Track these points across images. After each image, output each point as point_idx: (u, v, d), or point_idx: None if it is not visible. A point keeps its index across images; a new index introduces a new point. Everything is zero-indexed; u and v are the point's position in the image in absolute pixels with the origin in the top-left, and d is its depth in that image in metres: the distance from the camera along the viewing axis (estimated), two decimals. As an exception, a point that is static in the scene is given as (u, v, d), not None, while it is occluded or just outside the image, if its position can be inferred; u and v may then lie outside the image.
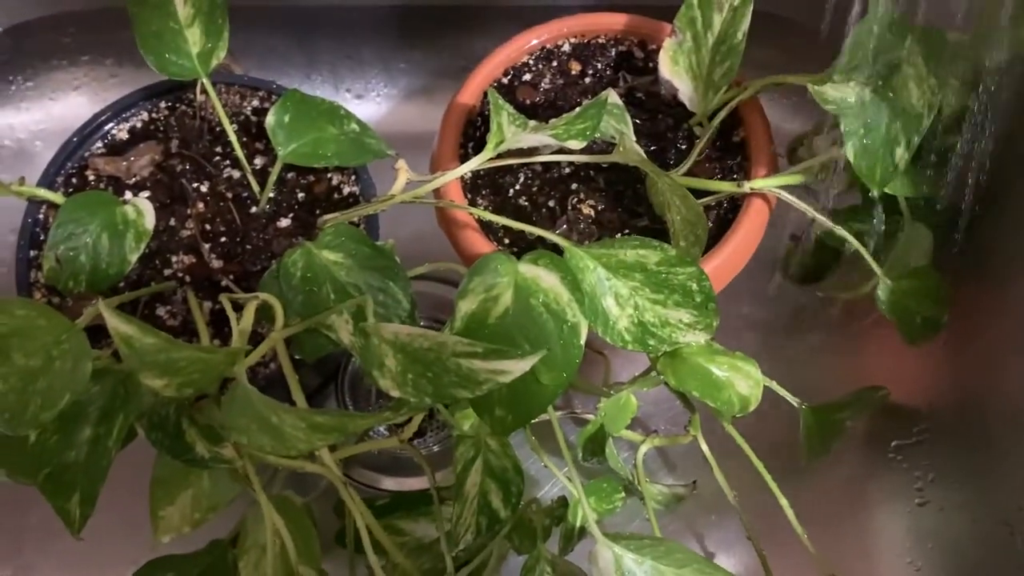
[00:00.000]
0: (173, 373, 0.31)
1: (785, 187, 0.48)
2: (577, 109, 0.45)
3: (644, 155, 0.45)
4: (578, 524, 0.46)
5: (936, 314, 0.50)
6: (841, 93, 0.44)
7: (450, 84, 0.62)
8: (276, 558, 0.40)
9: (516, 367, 0.32)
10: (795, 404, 0.50)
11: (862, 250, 0.47)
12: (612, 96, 0.48)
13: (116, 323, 0.31)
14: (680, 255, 0.42)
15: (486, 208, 0.49)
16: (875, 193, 0.46)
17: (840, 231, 0.47)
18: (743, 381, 0.45)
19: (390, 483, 0.56)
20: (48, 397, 0.32)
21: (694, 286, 0.42)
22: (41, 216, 0.50)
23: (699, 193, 0.47)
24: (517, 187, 0.50)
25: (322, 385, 0.58)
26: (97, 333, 0.46)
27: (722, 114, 0.48)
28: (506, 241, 0.48)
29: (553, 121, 0.44)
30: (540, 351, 0.33)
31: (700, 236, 0.44)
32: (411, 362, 0.33)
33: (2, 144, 0.67)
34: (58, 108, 0.67)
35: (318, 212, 0.50)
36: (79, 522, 0.38)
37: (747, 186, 0.47)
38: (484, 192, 0.50)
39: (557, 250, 0.42)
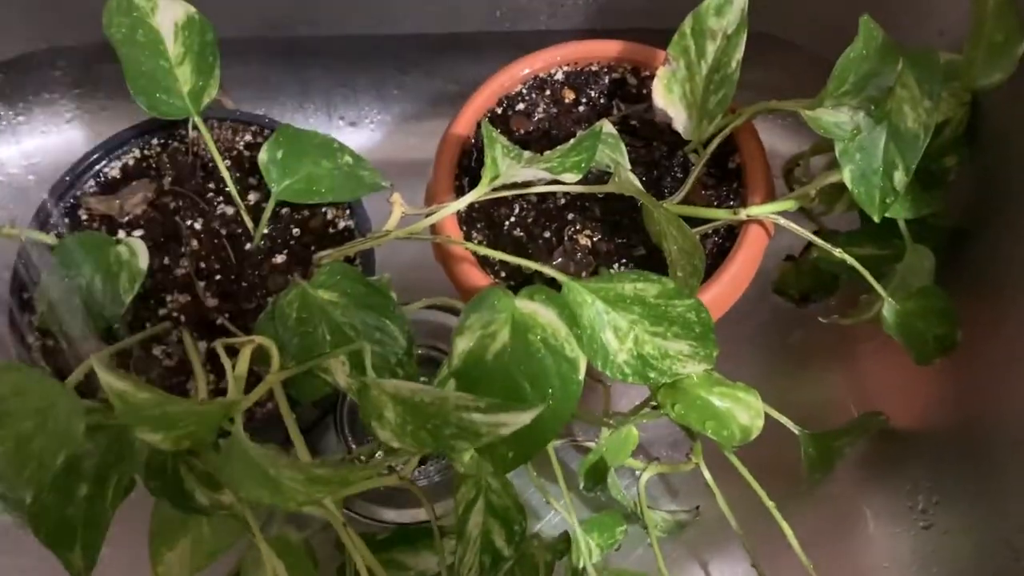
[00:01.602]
0: (169, 427, 0.31)
1: (782, 212, 0.48)
2: (572, 141, 0.44)
3: (639, 185, 0.45)
4: (580, 565, 0.45)
5: (949, 332, 0.49)
6: (835, 118, 0.44)
7: (444, 109, 0.62)
8: (277, 602, 0.40)
9: (517, 420, 0.31)
10: (796, 431, 0.50)
11: (865, 273, 0.47)
12: (606, 126, 0.47)
13: (109, 380, 0.31)
14: (679, 288, 0.41)
15: (481, 241, 0.49)
16: (875, 218, 0.46)
17: (841, 254, 0.47)
18: (744, 412, 0.45)
19: (391, 514, 0.55)
20: (43, 458, 0.32)
21: (693, 317, 0.42)
22: (34, 257, 0.50)
23: (696, 221, 0.47)
24: (513, 219, 0.50)
25: (320, 418, 0.57)
26: (92, 380, 0.46)
27: (717, 141, 0.48)
28: (503, 274, 0.48)
29: (548, 154, 0.44)
30: (541, 404, 0.33)
31: (697, 266, 0.44)
32: (411, 414, 0.33)
33: (-6, 179, 0.66)
34: (51, 141, 0.67)
35: (313, 248, 0.50)
36: (83, 573, 0.38)
37: (743, 213, 0.47)
38: (479, 225, 0.50)
39: (555, 282, 0.42)
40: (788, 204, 0.48)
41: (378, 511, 0.56)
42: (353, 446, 0.56)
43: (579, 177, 0.43)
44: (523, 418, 0.31)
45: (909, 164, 0.45)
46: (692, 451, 0.51)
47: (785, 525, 0.48)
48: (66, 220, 0.51)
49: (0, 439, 0.31)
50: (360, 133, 0.68)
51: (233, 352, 0.42)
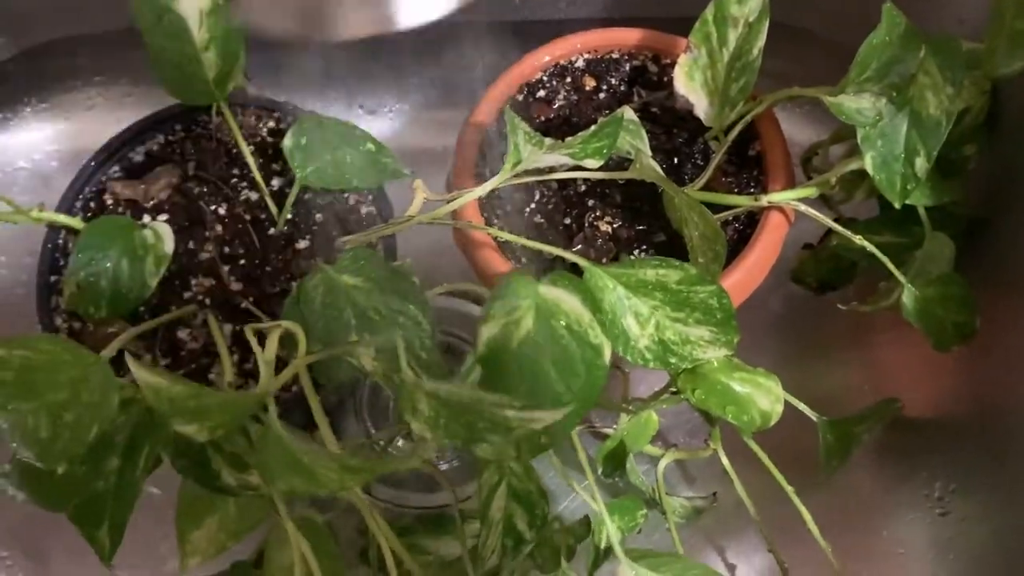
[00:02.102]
0: (204, 418, 0.31)
1: (802, 199, 0.48)
2: (593, 127, 0.45)
3: (660, 171, 0.45)
4: (603, 545, 0.46)
5: (968, 319, 0.50)
6: (858, 104, 0.44)
7: (463, 98, 0.62)
8: (302, 582, 0.40)
9: (549, 416, 0.32)
10: (814, 418, 0.50)
11: (885, 260, 0.47)
12: (628, 112, 0.48)
13: (144, 375, 0.32)
14: (700, 274, 0.42)
15: (502, 227, 0.49)
16: (896, 204, 0.46)
17: (861, 241, 0.47)
18: (764, 397, 0.45)
19: (412, 499, 0.56)
20: (77, 430, 0.32)
21: (714, 303, 0.42)
22: (60, 241, 0.50)
23: (716, 208, 0.47)
24: (533, 205, 0.50)
25: (340, 402, 0.58)
26: (121, 358, 0.46)
27: (738, 128, 0.48)
28: (523, 260, 0.48)
29: (569, 140, 0.44)
30: (566, 391, 0.33)
31: (719, 252, 0.44)
32: (445, 409, 0.33)
33: (18, 166, 0.67)
34: (73, 128, 0.67)
35: (336, 233, 0.50)
36: (109, 551, 0.38)
37: (764, 200, 0.47)
38: (500, 211, 0.50)
39: (576, 268, 0.42)
40: (809, 191, 0.48)
41: (399, 496, 0.56)
42: (372, 430, 0.57)
43: (601, 163, 0.44)
44: (554, 415, 0.32)
45: (931, 150, 0.45)
46: (710, 437, 0.51)
47: (804, 509, 0.49)
48: (92, 205, 0.52)
49: (33, 409, 0.31)
50: (380, 121, 0.68)
51: (259, 337, 0.42)
